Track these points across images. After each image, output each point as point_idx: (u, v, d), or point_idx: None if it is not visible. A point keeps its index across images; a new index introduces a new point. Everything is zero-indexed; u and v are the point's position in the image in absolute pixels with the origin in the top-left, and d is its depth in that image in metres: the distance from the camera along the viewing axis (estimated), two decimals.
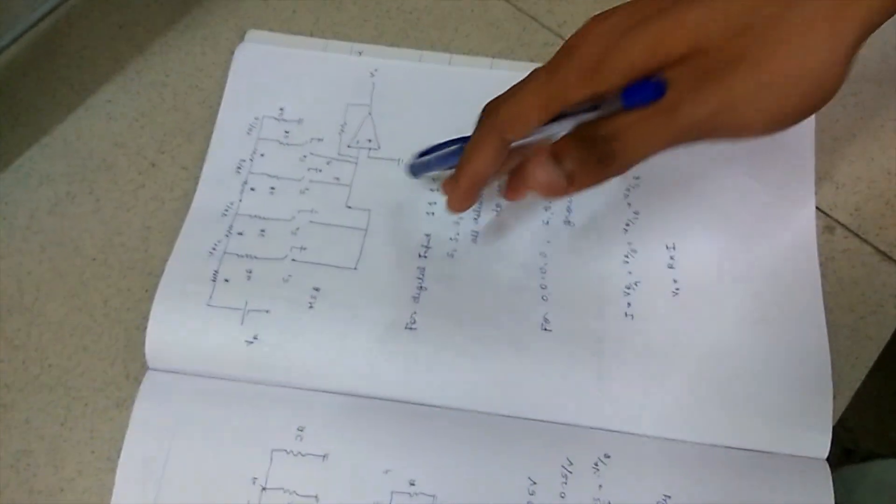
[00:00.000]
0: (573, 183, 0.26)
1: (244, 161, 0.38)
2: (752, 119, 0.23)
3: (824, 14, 0.21)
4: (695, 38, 0.22)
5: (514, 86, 0.29)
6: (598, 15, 0.26)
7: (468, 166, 0.30)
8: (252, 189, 0.37)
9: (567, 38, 0.27)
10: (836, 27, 0.22)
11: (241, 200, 0.37)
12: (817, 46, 0.22)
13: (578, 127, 0.27)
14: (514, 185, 0.33)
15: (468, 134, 0.31)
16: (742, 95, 0.23)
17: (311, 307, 0.35)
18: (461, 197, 0.32)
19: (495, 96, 0.30)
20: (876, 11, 0.22)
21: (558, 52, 0.27)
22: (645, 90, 0.24)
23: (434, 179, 0.37)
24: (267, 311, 0.34)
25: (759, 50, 0.22)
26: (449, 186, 0.32)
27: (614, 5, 0.26)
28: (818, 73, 0.22)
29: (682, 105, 0.23)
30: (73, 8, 0.42)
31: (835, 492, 0.31)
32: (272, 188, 0.37)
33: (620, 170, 0.26)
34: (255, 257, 0.36)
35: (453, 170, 0.32)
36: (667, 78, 0.23)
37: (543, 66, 0.28)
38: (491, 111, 0.30)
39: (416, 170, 0.36)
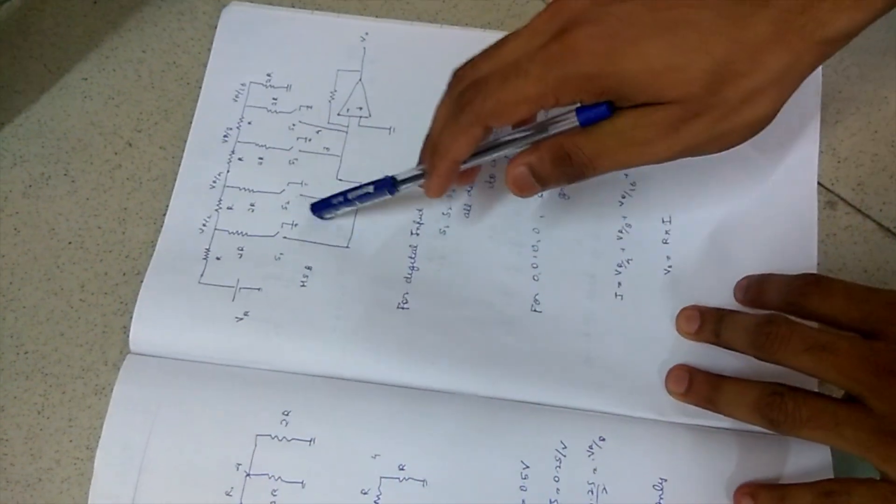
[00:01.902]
0: (544, 186, 0.30)
1: (231, 129, 0.37)
2: (710, 151, 0.28)
3: (774, 78, 0.26)
4: (681, 89, 0.26)
5: (504, 68, 0.27)
6: None
7: (448, 153, 0.29)
8: (240, 159, 0.36)
9: (564, 12, 0.27)
10: (782, 86, 0.27)
11: (228, 171, 0.36)
12: (767, 104, 0.27)
13: (551, 141, 0.29)
14: (466, 173, 0.32)
15: (376, 178, 0.32)
16: (706, 140, 0.27)
17: (303, 286, 0.34)
18: (441, 183, 0.31)
19: (467, 60, 0.29)
20: (808, 70, 0.27)
21: (558, 38, 0.26)
22: (600, 110, 0.27)
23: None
24: (259, 290, 0.33)
25: (725, 106, 0.26)
26: (429, 172, 0.31)
27: None
28: (764, 121, 0.28)
29: (656, 144, 0.27)
30: None
31: (834, 470, 0.30)
32: (260, 158, 0.36)
33: (587, 178, 0.29)
34: (247, 234, 0.35)
35: (349, 208, 0.34)
36: (647, 114, 0.27)
37: (542, 55, 0.27)
38: (475, 92, 0.28)
39: (320, 210, 0.35)
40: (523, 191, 0.30)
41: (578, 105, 0.28)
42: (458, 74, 0.30)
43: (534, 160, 0.29)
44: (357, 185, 0.34)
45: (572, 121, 0.28)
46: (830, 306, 0.28)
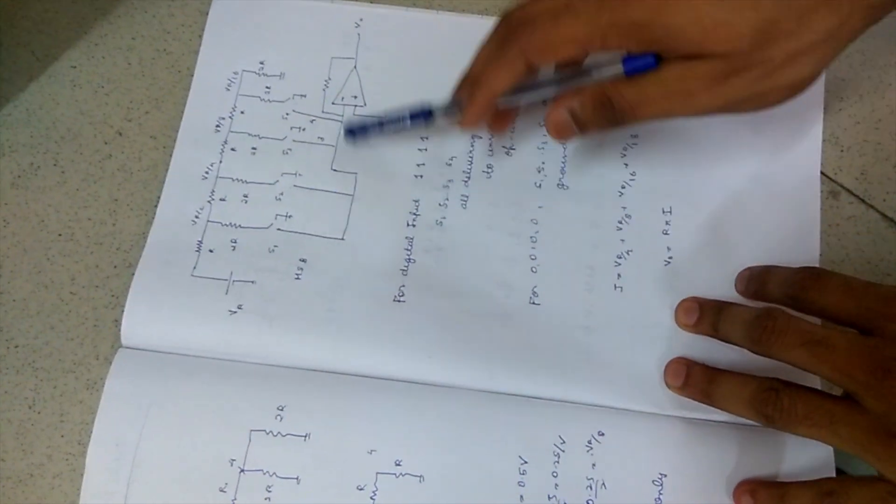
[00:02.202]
0: (582, 129, 0.30)
1: (223, 119, 0.36)
2: (749, 109, 0.29)
3: (820, 39, 0.27)
4: (728, 44, 0.26)
5: (555, 6, 0.27)
6: None
7: (487, 85, 0.30)
8: (233, 149, 0.35)
9: None
10: (826, 48, 0.27)
11: (221, 162, 0.35)
12: (810, 66, 0.27)
13: (595, 86, 0.29)
14: (500, 118, 0.34)
15: (418, 105, 0.33)
16: (747, 97, 0.28)
17: (297, 279, 0.33)
18: (477, 112, 0.31)
19: (516, 3, 0.29)
20: (854, 34, 0.27)
21: None
22: (646, 60, 0.27)
23: (423, 139, 0.35)
24: (252, 282, 0.33)
25: (769, 64, 0.27)
26: (465, 102, 0.31)
27: None
28: (805, 82, 0.28)
29: (698, 96, 0.27)
30: None
31: (836, 465, 0.30)
32: (253, 148, 0.36)
33: (626, 127, 0.29)
34: (240, 226, 0.34)
35: (385, 136, 0.34)
36: (692, 67, 0.27)
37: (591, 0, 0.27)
38: (522, 29, 0.28)
39: (354, 137, 0.35)
40: (562, 134, 0.30)
41: (625, 54, 0.28)
42: (507, 15, 0.30)
43: (575, 104, 0.29)
44: (392, 114, 0.34)
45: (617, 68, 0.28)
46: (828, 300, 0.27)
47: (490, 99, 0.30)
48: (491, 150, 0.36)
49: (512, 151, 0.36)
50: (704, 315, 0.31)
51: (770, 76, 0.27)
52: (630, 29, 0.27)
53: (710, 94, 0.27)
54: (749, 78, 0.27)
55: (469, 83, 0.31)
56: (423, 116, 0.32)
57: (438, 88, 0.33)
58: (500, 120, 0.34)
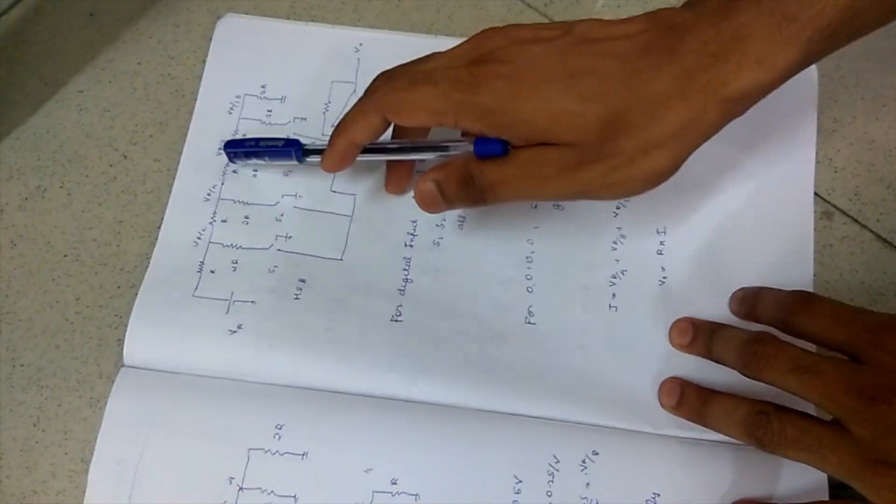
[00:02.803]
0: (449, 205, 0.30)
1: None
2: (603, 196, 0.29)
3: (672, 133, 0.27)
4: (576, 133, 0.27)
5: (417, 73, 0.29)
6: (515, 33, 0.28)
7: (346, 132, 0.31)
8: (234, 172, 0.36)
9: (484, 44, 0.29)
10: (680, 142, 0.27)
11: (223, 184, 0.36)
12: (664, 159, 0.27)
13: (459, 158, 0.30)
14: (395, 179, 0.35)
15: (293, 137, 0.34)
16: (603, 185, 0.28)
17: (296, 298, 0.34)
18: (336, 159, 0.32)
19: (397, 65, 0.30)
20: (711, 128, 0.27)
21: (470, 66, 0.28)
22: (494, 146, 0.28)
23: (420, 161, 0.36)
24: (252, 302, 0.34)
25: (620, 156, 0.27)
26: (328, 146, 0.32)
27: None
28: (661, 175, 0.28)
29: (551, 181, 0.28)
30: None
31: (829, 487, 0.30)
32: (255, 171, 0.36)
33: (489, 205, 0.30)
34: (241, 247, 0.35)
35: (257, 160, 0.35)
36: (544, 152, 0.28)
37: (452, 75, 0.28)
38: (384, 88, 0.30)
39: (231, 148, 0.35)
40: (429, 206, 0.31)
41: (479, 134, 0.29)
42: (380, 74, 0.31)
43: (441, 178, 0.30)
44: (268, 140, 0.34)
45: (469, 148, 0.29)
46: (818, 326, 0.28)
47: (347, 146, 0.31)
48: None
49: None
50: (698, 336, 0.31)
51: (622, 167, 0.27)
52: (480, 112, 0.27)
53: (565, 179, 0.28)
54: (601, 168, 0.27)
55: (334, 128, 0.32)
56: (293, 147, 0.33)
57: None
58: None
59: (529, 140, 0.28)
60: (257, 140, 0.35)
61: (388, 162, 0.35)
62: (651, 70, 0.26)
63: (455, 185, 0.29)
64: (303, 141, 0.34)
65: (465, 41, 0.30)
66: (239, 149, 0.35)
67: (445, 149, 0.30)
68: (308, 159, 0.33)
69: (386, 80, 0.30)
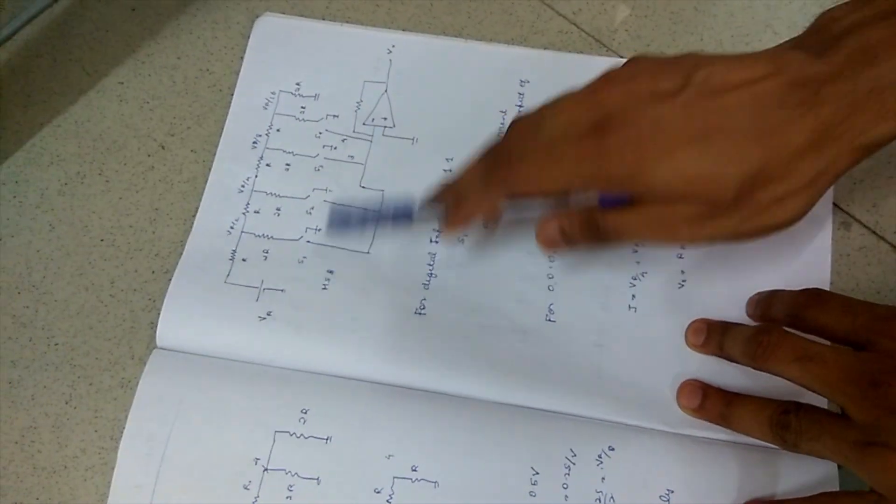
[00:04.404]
0: (570, 245, 0.31)
1: (260, 136, 0.38)
2: (733, 242, 0.28)
3: (807, 183, 0.26)
4: (713, 194, 0.26)
5: (542, 146, 0.28)
6: (632, 86, 0.27)
7: (471, 207, 0.31)
8: (268, 165, 0.37)
9: (603, 104, 0.27)
10: (813, 190, 0.27)
11: (256, 176, 0.37)
12: (798, 206, 0.27)
13: (582, 207, 0.30)
14: (453, 220, 0.33)
15: (401, 206, 0.35)
16: (732, 234, 0.28)
17: (324, 289, 0.35)
18: (458, 229, 0.32)
19: (527, 113, 0.29)
20: (842, 173, 0.27)
21: (594, 134, 0.27)
22: (619, 199, 0.29)
23: (447, 160, 0.37)
24: (282, 291, 0.35)
25: (755, 206, 0.27)
26: (448, 214, 0.32)
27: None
28: (793, 221, 0.28)
29: (680, 231, 0.28)
30: None
31: (840, 485, 0.30)
32: (287, 165, 0.37)
33: (611, 245, 0.30)
34: (272, 237, 0.36)
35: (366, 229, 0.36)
36: (674, 207, 0.28)
37: (577, 146, 0.27)
38: (508, 166, 0.29)
39: (336, 226, 0.36)
40: (551, 247, 0.31)
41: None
42: (493, 149, 0.30)
43: (565, 222, 0.30)
44: (377, 210, 0.36)
45: (594, 200, 0.29)
46: (827, 319, 0.28)
47: (470, 219, 0.31)
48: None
49: None
50: (711, 335, 0.32)
51: (755, 217, 0.27)
52: (611, 182, 0.27)
53: (692, 230, 0.28)
54: (734, 220, 0.27)
55: (454, 198, 0.32)
56: (404, 217, 0.34)
57: (463, 114, 0.34)
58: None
59: (661, 201, 0.27)
60: (363, 219, 0.36)
61: None
62: (786, 125, 0.26)
63: (578, 231, 0.30)
64: (413, 183, 0.35)
65: (581, 93, 0.28)
66: (346, 227, 0.36)
67: (567, 202, 0.31)
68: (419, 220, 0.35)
69: (509, 161, 0.29)
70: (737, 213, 0.27)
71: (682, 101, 0.26)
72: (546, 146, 0.28)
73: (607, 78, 0.27)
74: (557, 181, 0.28)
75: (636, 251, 0.35)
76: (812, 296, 0.29)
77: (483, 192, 0.30)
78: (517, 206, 0.32)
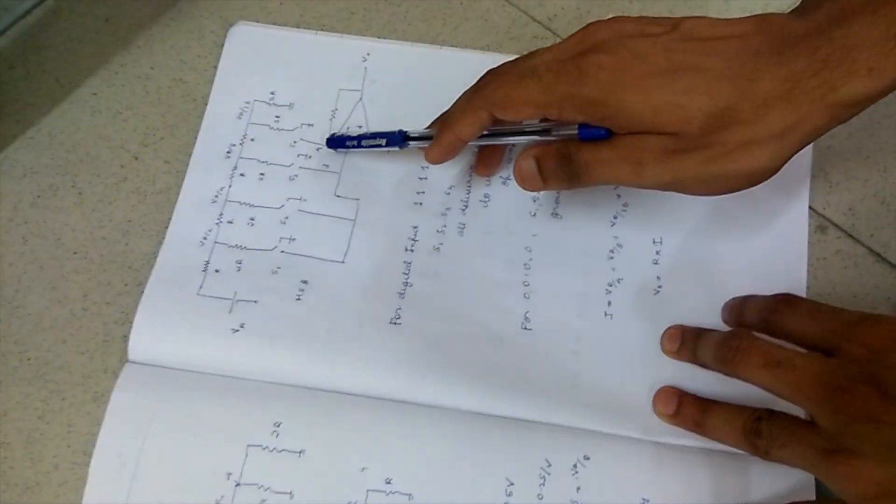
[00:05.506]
0: (545, 182, 0.31)
1: (234, 146, 0.38)
2: (698, 191, 0.29)
3: (776, 133, 0.27)
4: (678, 125, 0.27)
5: (524, 69, 0.30)
6: (620, 26, 0.29)
7: (454, 128, 0.32)
8: (242, 175, 0.37)
9: (589, 38, 0.29)
10: (783, 142, 0.27)
11: (230, 186, 0.37)
12: (765, 157, 0.27)
13: (560, 142, 0.31)
14: (485, 162, 0.36)
15: (394, 130, 0.35)
16: (697, 177, 0.28)
17: (298, 299, 0.34)
18: (441, 152, 0.33)
19: (503, 62, 0.31)
20: (815, 132, 0.27)
21: (575, 58, 0.28)
22: (598, 132, 0.29)
23: (423, 167, 0.37)
24: (255, 302, 0.34)
25: (720, 147, 0.27)
26: (434, 138, 0.33)
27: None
28: (759, 174, 0.28)
29: (647, 166, 0.28)
30: (59, 1, 0.42)
31: (817, 493, 0.30)
32: (261, 174, 0.37)
33: (584, 186, 0.31)
34: (245, 248, 0.36)
35: (368, 150, 0.36)
36: (643, 138, 0.28)
37: (557, 68, 0.28)
38: (492, 84, 0.30)
39: (334, 146, 0.37)
40: (526, 182, 0.32)
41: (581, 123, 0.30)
42: (487, 71, 0.32)
43: (540, 154, 0.31)
44: (371, 134, 0.36)
45: (574, 132, 0.30)
46: (796, 323, 0.28)
47: (454, 140, 0.32)
48: (488, 180, 0.37)
49: (508, 181, 0.37)
50: (685, 342, 0.32)
51: (720, 159, 0.27)
52: (584, 104, 0.28)
53: (659, 166, 0.28)
54: (698, 158, 0.27)
55: (441, 121, 0.33)
56: (397, 141, 0.35)
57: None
58: (485, 164, 0.36)
59: (631, 129, 0.28)
60: (359, 140, 0.36)
61: (480, 146, 0.36)
62: (758, 71, 0.26)
63: (553, 163, 0.30)
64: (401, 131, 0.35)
65: (572, 35, 0.30)
66: (342, 145, 0.37)
67: (549, 133, 0.31)
68: (410, 144, 0.35)
69: (493, 77, 0.31)
70: (701, 151, 0.27)
71: (664, 40, 0.28)
72: (531, 69, 0.29)
73: (599, 21, 0.29)
74: (536, 101, 0.29)
75: (612, 257, 0.35)
76: (782, 301, 0.29)
77: (466, 113, 0.31)
78: (501, 133, 0.33)
